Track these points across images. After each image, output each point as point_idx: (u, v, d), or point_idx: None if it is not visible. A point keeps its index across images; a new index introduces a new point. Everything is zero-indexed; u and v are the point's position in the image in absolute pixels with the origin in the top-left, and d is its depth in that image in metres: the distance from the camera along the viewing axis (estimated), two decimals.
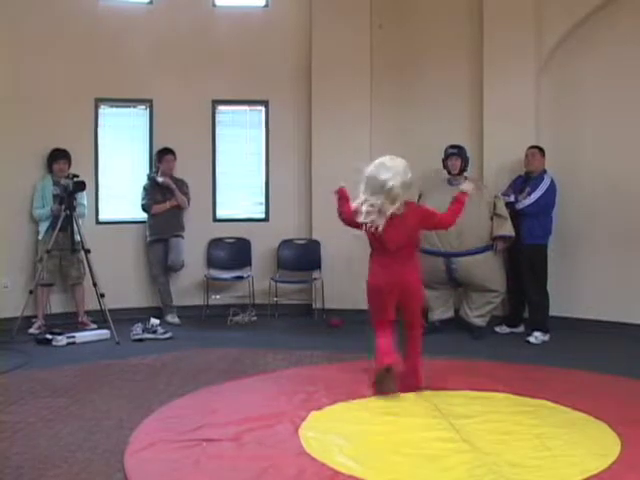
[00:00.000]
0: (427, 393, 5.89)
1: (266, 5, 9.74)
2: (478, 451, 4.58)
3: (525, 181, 8.36)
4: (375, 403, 5.72)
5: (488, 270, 8.32)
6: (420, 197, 8.57)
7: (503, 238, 8.22)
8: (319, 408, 5.55)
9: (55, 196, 8.54)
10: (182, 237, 9.25)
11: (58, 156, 8.78)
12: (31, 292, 8.38)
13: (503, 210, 8.20)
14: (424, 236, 8.35)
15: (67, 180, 8.32)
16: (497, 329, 8.57)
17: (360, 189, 5.87)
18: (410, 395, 5.86)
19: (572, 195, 8.55)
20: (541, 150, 8.37)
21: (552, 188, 8.22)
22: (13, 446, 4.78)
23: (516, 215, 8.23)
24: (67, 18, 9.00)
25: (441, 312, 8.67)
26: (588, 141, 8.70)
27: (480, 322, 8.43)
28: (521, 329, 8.50)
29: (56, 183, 8.56)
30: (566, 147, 8.71)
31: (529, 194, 8.18)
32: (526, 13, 8.81)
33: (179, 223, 9.26)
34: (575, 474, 4.25)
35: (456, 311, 8.73)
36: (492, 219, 8.27)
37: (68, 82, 9.00)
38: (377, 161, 5.90)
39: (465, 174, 8.52)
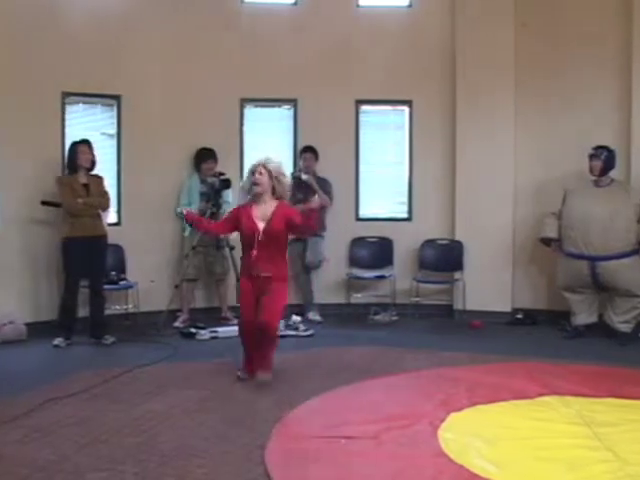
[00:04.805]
0: (569, 399, 5.71)
1: (410, 5, 9.71)
2: (622, 461, 4.39)
3: None
4: (516, 407, 5.60)
5: (634, 275, 8.04)
6: (565, 197, 8.38)
7: None
8: (459, 410, 5.48)
9: (202, 194, 8.75)
10: (322, 237, 9.28)
11: (206, 156, 9.00)
12: (176, 287, 8.63)
13: None
14: (568, 239, 8.17)
15: (214, 178, 8.51)
16: None
17: None
18: (552, 400, 5.71)
19: None
20: None
21: None
22: (159, 435, 4.93)
23: None
24: (212, 19, 9.25)
25: (585, 317, 8.42)
26: None
27: (625, 328, 8.16)
28: None
29: (203, 181, 8.78)
30: None
31: None
32: None
33: (320, 222, 9.29)
34: None
35: (600, 316, 8.46)
36: (639, 222, 8.00)
37: (214, 83, 9.22)
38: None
39: (611, 176, 8.27)
